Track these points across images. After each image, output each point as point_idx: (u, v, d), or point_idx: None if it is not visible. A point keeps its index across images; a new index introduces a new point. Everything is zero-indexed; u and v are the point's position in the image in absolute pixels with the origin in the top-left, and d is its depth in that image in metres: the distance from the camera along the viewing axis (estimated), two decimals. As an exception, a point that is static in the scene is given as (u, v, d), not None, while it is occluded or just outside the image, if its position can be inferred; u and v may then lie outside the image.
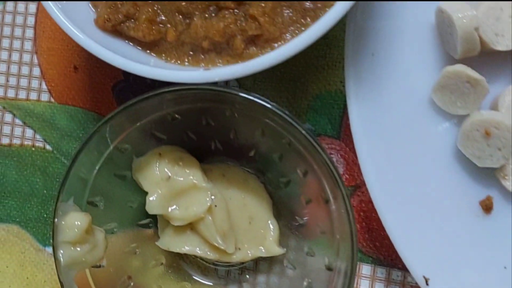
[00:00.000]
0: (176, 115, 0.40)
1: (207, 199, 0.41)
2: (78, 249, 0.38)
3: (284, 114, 0.35)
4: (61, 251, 0.38)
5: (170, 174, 0.41)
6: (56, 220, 0.38)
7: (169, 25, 0.38)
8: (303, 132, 0.35)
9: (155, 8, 0.38)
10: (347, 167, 0.45)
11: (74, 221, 0.38)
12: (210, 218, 0.41)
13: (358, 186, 0.44)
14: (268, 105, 0.35)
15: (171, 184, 0.41)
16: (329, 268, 0.38)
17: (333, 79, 0.45)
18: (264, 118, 0.37)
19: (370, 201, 0.44)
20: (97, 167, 0.40)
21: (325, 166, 0.35)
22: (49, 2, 0.37)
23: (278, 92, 0.46)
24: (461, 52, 0.38)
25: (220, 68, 0.36)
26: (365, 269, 0.45)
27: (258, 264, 0.46)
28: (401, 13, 0.40)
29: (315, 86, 0.45)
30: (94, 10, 0.40)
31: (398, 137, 0.40)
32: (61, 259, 0.38)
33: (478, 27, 0.38)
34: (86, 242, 0.39)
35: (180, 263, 0.45)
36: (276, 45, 0.37)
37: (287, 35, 0.37)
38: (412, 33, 0.40)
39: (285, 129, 0.37)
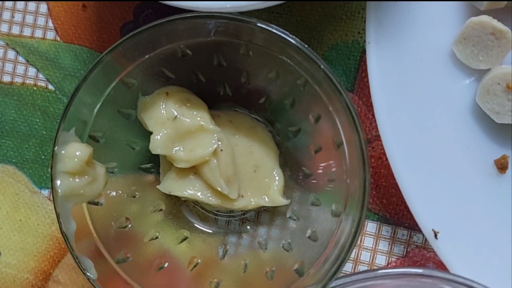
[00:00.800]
0: (187, 51, 0.38)
1: (213, 141, 0.40)
2: (77, 180, 0.37)
3: (304, 48, 0.34)
4: (59, 181, 0.37)
5: (176, 114, 0.40)
6: (56, 148, 0.37)
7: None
8: (322, 67, 0.33)
9: None
10: (358, 121, 0.43)
11: (74, 151, 0.37)
12: (215, 161, 0.40)
13: (369, 141, 0.43)
14: (288, 38, 0.34)
15: (177, 124, 0.40)
16: (335, 215, 0.37)
17: (350, 30, 0.44)
18: (281, 55, 0.36)
19: (380, 157, 0.43)
20: (101, 100, 0.39)
21: (342, 106, 0.34)
22: None
23: (293, 40, 0.44)
24: (487, 3, 0.37)
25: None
26: (370, 226, 0.44)
27: (260, 216, 0.44)
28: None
29: (332, 36, 0.44)
30: None
31: (416, 89, 0.39)
32: (59, 190, 0.37)
33: (506, -23, 0.37)
34: (86, 174, 0.37)
35: (180, 210, 0.44)
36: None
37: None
38: (437, -17, 0.39)
39: (302, 67, 0.35)
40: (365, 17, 0.41)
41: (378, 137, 0.42)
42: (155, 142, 0.40)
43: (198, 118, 0.40)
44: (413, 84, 0.39)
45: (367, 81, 0.41)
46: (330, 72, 0.34)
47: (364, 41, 0.43)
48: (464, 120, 0.40)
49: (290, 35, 0.34)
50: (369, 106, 0.43)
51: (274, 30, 0.34)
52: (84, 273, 0.37)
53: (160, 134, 0.40)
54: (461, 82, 0.40)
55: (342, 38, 0.44)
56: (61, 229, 0.37)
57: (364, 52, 0.43)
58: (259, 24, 0.34)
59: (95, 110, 0.39)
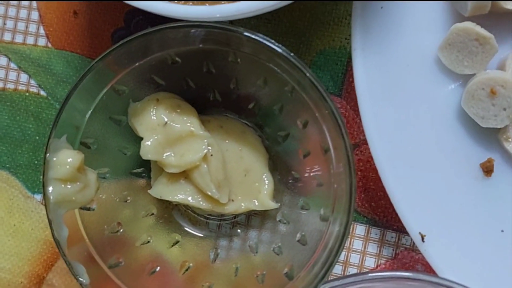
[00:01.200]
0: (177, 58, 0.39)
1: (203, 147, 0.40)
2: (69, 186, 0.37)
3: (289, 56, 0.34)
4: (51, 188, 0.37)
5: (166, 120, 0.40)
6: (47, 155, 0.37)
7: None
8: (308, 75, 0.34)
9: None
10: (346, 125, 0.44)
11: (66, 158, 0.37)
12: (205, 166, 0.40)
13: (356, 145, 0.44)
14: (274, 46, 0.34)
15: (168, 130, 0.40)
16: (324, 219, 0.37)
17: (338, 36, 0.44)
18: (268, 63, 0.36)
19: (368, 161, 0.44)
20: (93, 106, 0.39)
21: (328, 113, 0.34)
22: None
23: (282, 46, 0.45)
24: (471, 9, 0.38)
25: (229, 4, 0.35)
26: (359, 229, 0.44)
27: (250, 219, 0.45)
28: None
29: (320, 42, 0.45)
30: None
31: (402, 94, 0.40)
32: (50, 196, 0.37)
33: (490, -16, 0.37)
34: (77, 181, 0.38)
35: (171, 214, 0.45)
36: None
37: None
38: (423, -11, 0.40)
39: (289, 75, 0.36)
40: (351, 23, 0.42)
41: (366, 141, 0.42)
42: (145, 147, 0.40)
43: (188, 124, 0.41)
44: (399, 89, 0.40)
45: (355, 86, 0.41)
46: (316, 80, 0.34)
47: (351, 47, 0.44)
48: (450, 124, 0.40)
49: (276, 44, 0.34)
50: (357, 110, 0.43)
51: (260, 39, 0.34)
52: (76, 279, 0.37)
53: (151, 140, 0.40)
54: (446, 87, 0.40)
55: (329, 44, 0.45)
56: (53, 235, 0.37)
57: (351, 57, 0.44)
58: (246, 34, 0.34)
59: (87, 116, 0.39)
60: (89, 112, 0.39)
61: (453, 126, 0.40)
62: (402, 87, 0.40)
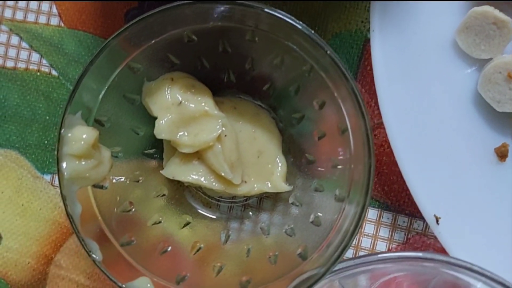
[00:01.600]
0: (193, 36, 0.39)
1: (218, 127, 0.40)
2: (83, 163, 0.37)
3: (310, 33, 0.34)
4: (65, 164, 0.37)
5: (181, 99, 0.40)
6: (62, 131, 0.37)
7: None
8: (329, 52, 0.34)
9: None
10: (361, 109, 0.44)
11: (81, 134, 0.37)
12: (219, 146, 0.40)
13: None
14: (294, 23, 0.34)
15: (182, 109, 0.40)
16: (339, 200, 0.37)
17: (354, 18, 0.44)
18: (287, 41, 0.36)
19: (382, 145, 0.43)
20: (107, 85, 0.39)
21: (348, 93, 0.34)
22: None
23: (297, 28, 0.45)
24: (490, -7, 0.38)
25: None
26: (371, 213, 0.44)
27: (262, 202, 0.45)
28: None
29: (335, 25, 0.45)
30: None
31: (418, 77, 0.40)
32: (65, 172, 0.37)
33: (509, -32, 0.37)
34: (92, 158, 0.38)
35: (183, 195, 0.44)
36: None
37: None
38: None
39: (308, 53, 0.36)
40: (368, 6, 0.42)
41: (380, 125, 0.42)
42: (160, 126, 0.40)
43: (203, 104, 0.40)
44: (416, 72, 0.40)
45: (370, 70, 0.41)
46: (337, 58, 0.34)
47: (367, 30, 0.44)
48: (466, 108, 0.40)
49: (297, 21, 0.34)
50: (372, 94, 0.43)
51: (281, 16, 0.34)
52: (89, 255, 0.37)
53: (165, 119, 0.40)
54: (463, 71, 0.40)
55: (345, 27, 0.44)
56: (67, 211, 0.37)
57: (366, 41, 0.44)
58: (266, 10, 0.34)
59: (101, 95, 0.39)
60: (104, 89, 0.39)
61: (469, 110, 0.40)
62: (418, 69, 0.40)
